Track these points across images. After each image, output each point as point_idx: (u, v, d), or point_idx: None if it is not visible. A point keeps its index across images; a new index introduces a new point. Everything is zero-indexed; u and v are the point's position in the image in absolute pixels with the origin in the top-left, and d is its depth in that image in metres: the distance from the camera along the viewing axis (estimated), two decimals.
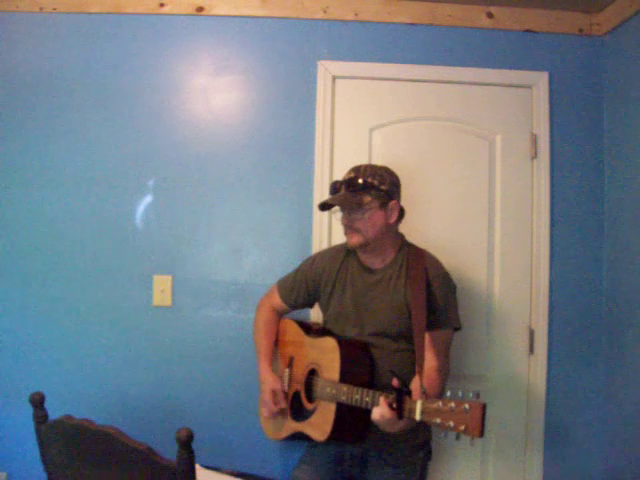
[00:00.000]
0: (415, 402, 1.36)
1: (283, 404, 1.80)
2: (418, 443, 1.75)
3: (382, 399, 1.44)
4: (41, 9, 2.19)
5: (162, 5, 2.21)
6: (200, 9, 2.21)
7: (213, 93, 2.23)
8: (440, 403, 1.30)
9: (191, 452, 1.16)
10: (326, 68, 2.21)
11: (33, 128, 2.18)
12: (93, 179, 2.18)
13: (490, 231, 2.23)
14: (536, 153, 2.25)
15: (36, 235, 2.17)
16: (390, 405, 1.41)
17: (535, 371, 2.21)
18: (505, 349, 2.21)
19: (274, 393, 1.79)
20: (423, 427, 1.76)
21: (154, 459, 1.16)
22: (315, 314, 2.11)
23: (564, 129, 2.26)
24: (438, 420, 1.30)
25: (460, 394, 1.29)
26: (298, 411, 1.78)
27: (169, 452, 1.17)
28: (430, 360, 1.62)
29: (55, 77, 2.19)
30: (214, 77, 2.23)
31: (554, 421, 2.22)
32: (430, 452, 1.79)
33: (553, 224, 2.24)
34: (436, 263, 1.76)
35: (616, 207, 2.21)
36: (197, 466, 1.21)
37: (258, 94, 2.24)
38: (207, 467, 1.74)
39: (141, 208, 2.20)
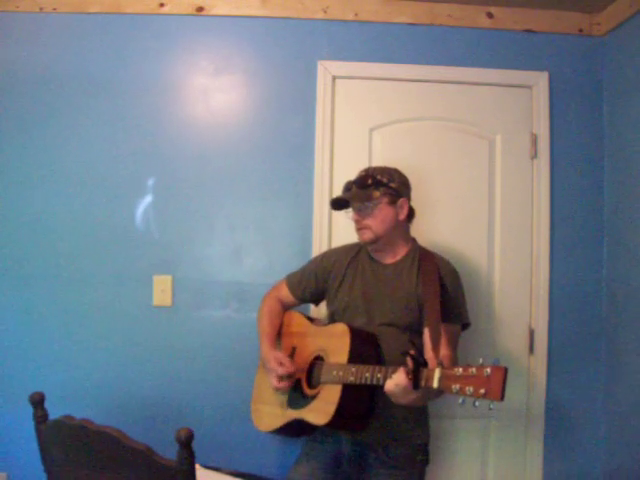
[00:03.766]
0: (433, 370, 1.36)
1: (290, 367, 1.73)
2: (417, 444, 1.75)
3: (401, 367, 1.43)
4: (41, 9, 2.19)
5: (162, 5, 2.20)
6: (200, 9, 2.21)
7: (213, 93, 2.23)
8: (461, 369, 1.30)
9: (191, 452, 1.16)
10: (326, 68, 2.21)
11: (33, 128, 2.18)
12: (93, 179, 2.18)
13: (490, 231, 2.23)
14: (536, 153, 2.25)
15: (35, 235, 2.17)
16: (407, 373, 1.41)
17: (535, 371, 2.22)
18: (505, 349, 2.21)
19: (279, 361, 1.75)
20: (422, 429, 1.77)
21: (154, 459, 1.16)
22: (316, 312, 2.11)
23: (564, 129, 2.26)
24: (457, 386, 1.29)
25: (480, 361, 1.29)
26: (297, 400, 1.76)
27: (169, 452, 1.17)
28: (442, 349, 1.61)
29: (55, 77, 2.19)
30: (214, 77, 2.23)
31: (554, 421, 2.22)
32: (428, 457, 1.78)
33: (553, 224, 2.24)
34: (447, 262, 1.81)
35: (616, 207, 2.21)
36: (197, 466, 1.21)
37: (258, 94, 2.24)
38: (207, 467, 1.74)
39: (141, 208, 2.20)
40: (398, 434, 1.71)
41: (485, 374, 1.25)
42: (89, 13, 2.20)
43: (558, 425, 2.22)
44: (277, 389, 1.77)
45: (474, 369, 1.27)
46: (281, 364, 1.75)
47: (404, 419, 1.70)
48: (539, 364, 2.21)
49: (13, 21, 2.19)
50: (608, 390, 2.21)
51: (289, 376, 1.75)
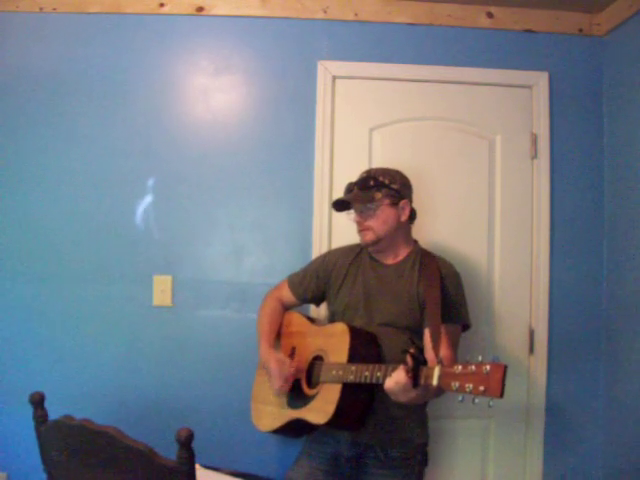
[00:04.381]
0: (433, 368, 1.36)
1: (293, 369, 1.75)
2: (415, 445, 1.74)
3: (401, 365, 1.43)
4: (41, 9, 2.19)
5: (162, 5, 2.21)
6: (200, 9, 2.21)
7: (213, 93, 2.23)
8: (460, 367, 1.29)
9: (191, 452, 1.16)
10: (326, 68, 2.21)
11: (33, 128, 2.17)
12: (92, 178, 2.18)
13: (490, 231, 2.23)
14: (536, 153, 2.25)
15: (36, 235, 2.17)
16: (407, 371, 1.41)
17: (535, 371, 2.22)
18: (505, 349, 2.21)
19: (281, 362, 1.76)
20: (421, 429, 1.77)
21: (154, 459, 1.16)
22: (316, 313, 2.11)
23: (564, 129, 2.26)
24: (457, 383, 1.28)
25: (480, 358, 1.29)
26: (296, 400, 1.76)
27: (169, 452, 1.17)
28: (442, 349, 1.62)
29: (55, 77, 2.19)
30: (214, 77, 2.23)
31: (554, 421, 2.22)
32: (427, 457, 1.78)
33: (553, 224, 2.24)
34: (449, 264, 1.81)
35: (616, 207, 2.21)
36: (197, 466, 1.21)
37: (258, 94, 2.24)
38: (207, 467, 1.74)
39: (141, 208, 2.20)
40: (397, 435, 1.71)
41: (484, 371, 1.25)
42: (89, 13, 2.20)
43: (558, 425, 2.22)
44: (279, 390, 1.77)
45: (473, 366, 1.27)
46: (283, 364, 1.75)
47: (403, 420, 1.70)
48: (539, 364, 2.21)
49: (13, 21, 2.19)
50: (608, 390, 2.21)
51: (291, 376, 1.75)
